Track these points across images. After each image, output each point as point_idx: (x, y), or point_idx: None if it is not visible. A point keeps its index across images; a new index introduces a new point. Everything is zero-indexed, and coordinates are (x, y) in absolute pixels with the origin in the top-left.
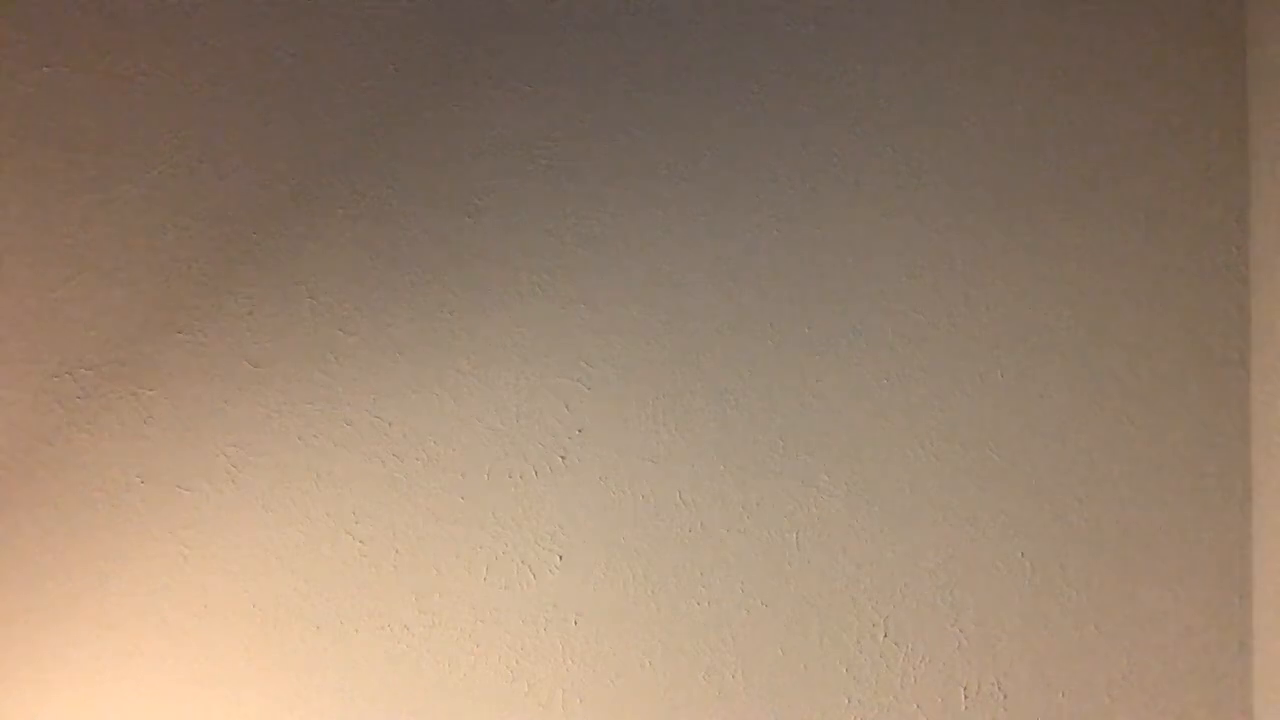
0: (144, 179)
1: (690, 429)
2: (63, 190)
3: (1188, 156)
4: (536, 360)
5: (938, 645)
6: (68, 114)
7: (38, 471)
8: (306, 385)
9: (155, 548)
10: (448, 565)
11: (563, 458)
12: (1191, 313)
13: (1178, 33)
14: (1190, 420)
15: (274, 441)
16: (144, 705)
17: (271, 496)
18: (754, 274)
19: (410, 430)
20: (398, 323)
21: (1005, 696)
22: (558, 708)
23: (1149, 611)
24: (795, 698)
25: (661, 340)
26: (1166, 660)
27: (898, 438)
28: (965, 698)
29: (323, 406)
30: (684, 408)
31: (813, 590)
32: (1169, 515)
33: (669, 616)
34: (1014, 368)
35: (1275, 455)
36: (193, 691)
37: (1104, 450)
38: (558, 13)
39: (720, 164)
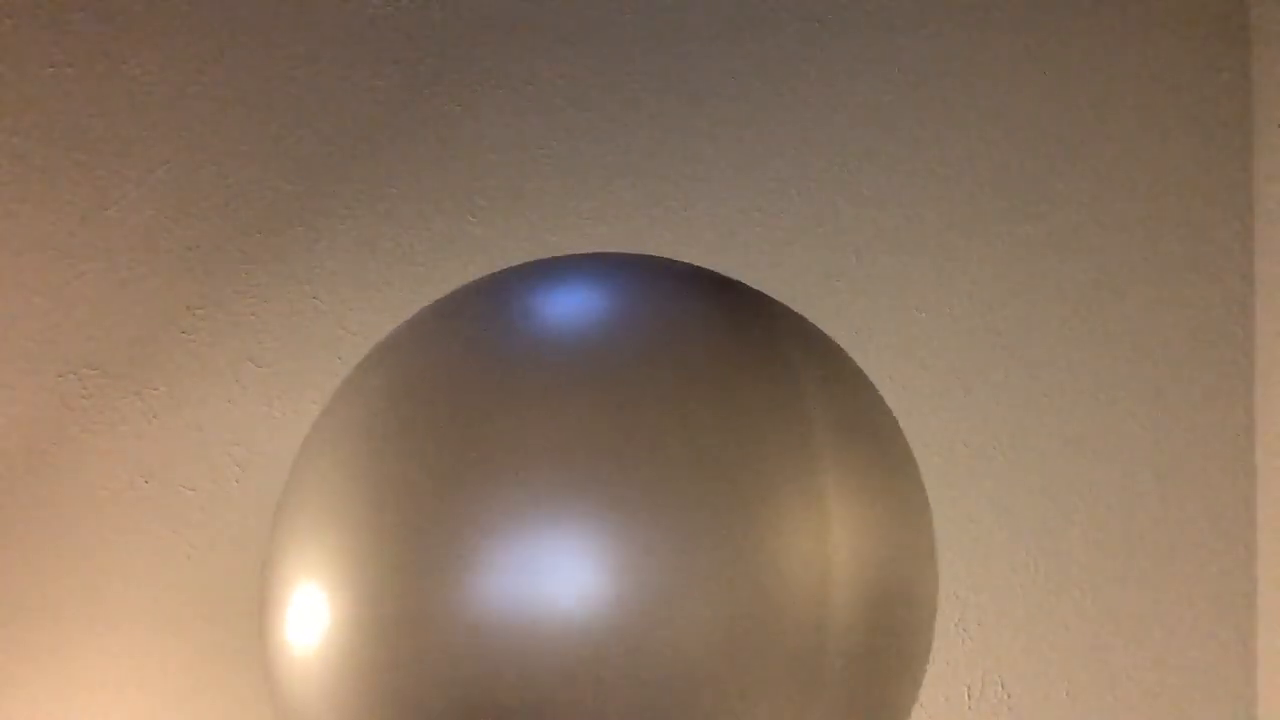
0: (145, 179)
1: None
2: (64, 190)
3: (1191, 154)
4: None
5: (941, 644)
6: (70, 114)
7: (42, 471)
8: (311, 384)
9: (159, 548)
10: None
11: None
12: (1195, 311)
13: (1180, 30)
14: (1194, 419)
15: (279, 441)
16: (147, 706)
17: (276, 496)
18: (756, 274)
19: None
20: (401, 321)
21: (1009, 696)
22: None
23: (1152, 610)
24: None
25: None
26: (1170, 659)
27: None
28: (969, 697)
29: None
30: None
31: None
32: (1172, 514)
33: None
34: (1017, 367)
35: None
36: (197, 692)
37: (1107, 449)
38: (558, 12)
39: (721, 163)
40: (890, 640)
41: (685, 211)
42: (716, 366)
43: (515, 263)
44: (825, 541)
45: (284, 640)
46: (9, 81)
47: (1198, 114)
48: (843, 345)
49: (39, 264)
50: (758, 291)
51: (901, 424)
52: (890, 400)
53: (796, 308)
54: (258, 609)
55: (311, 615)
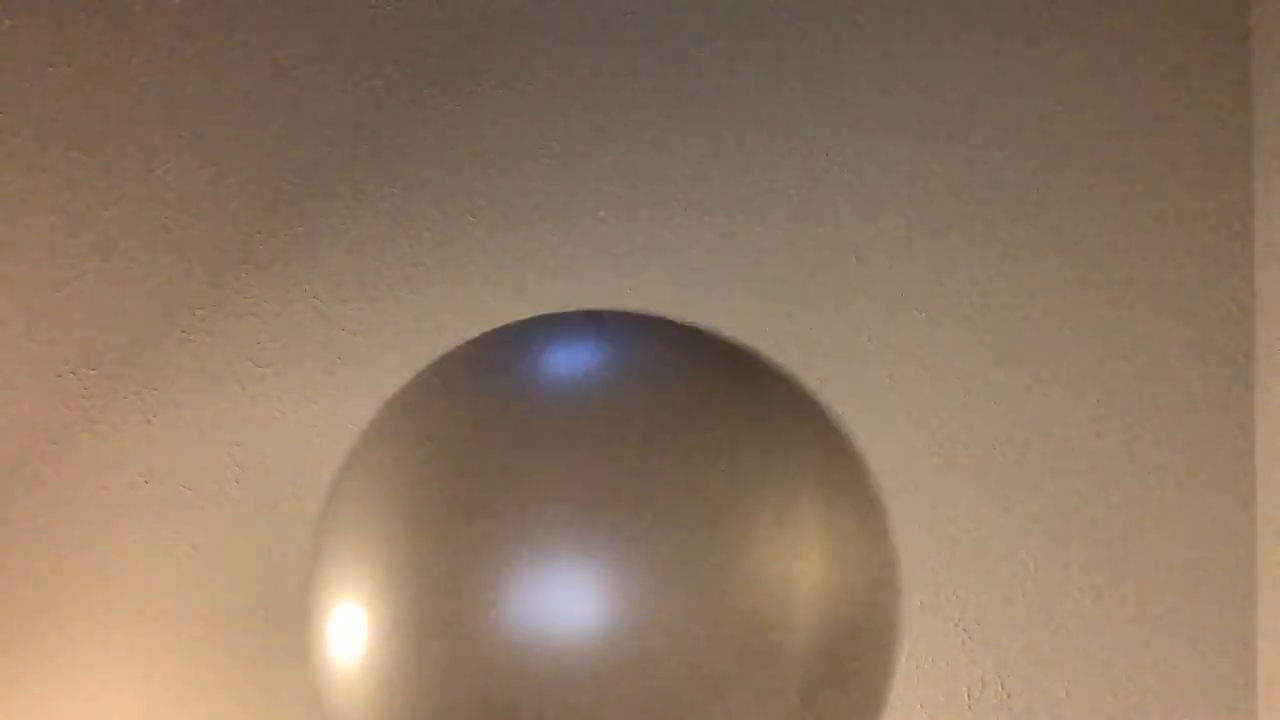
0: (145, 179)
1: None
2: (63, 190)
3: (1191, 154)
4: None
5: (941, 645)
6: (69, 114)
7: (41, 472)
8: (310, 384)
9: (159, 548)
10: None
11: None
12: (1195, 311)
13: (1180, 30)
14: (1194, 419)
15: (279, 441)
16: (147, 707)
17: (276, 496)
18: (755, 276)
19: None
20: (401, 321)
21: (1009, 696)
22: None
23: (1152, 611)
24: None
25: None
26: (1170, 660)
27: (901, 438)
28: (969, 697)
29: (326, 405)
30: None
31: None
32: (1172, 514)
33: None
34: (1017, 367)
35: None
36: (197, 692)
37: (1107, 449)
38: (558, 12)
39: (721, 165)
40: (847, 666)
41: (685, 211)
42: (705, 419)
43: (515, 263)
44: (795, 579)
45: (329, 651)
46: (9, 81)
47: (1198, 114)
48: (843, 345)
49: (39, 264)
50: (740, 344)
51: (901, 424)
52: (890, 400)
53: (796, 308)
54: (304, 623)
55: (353, 629)
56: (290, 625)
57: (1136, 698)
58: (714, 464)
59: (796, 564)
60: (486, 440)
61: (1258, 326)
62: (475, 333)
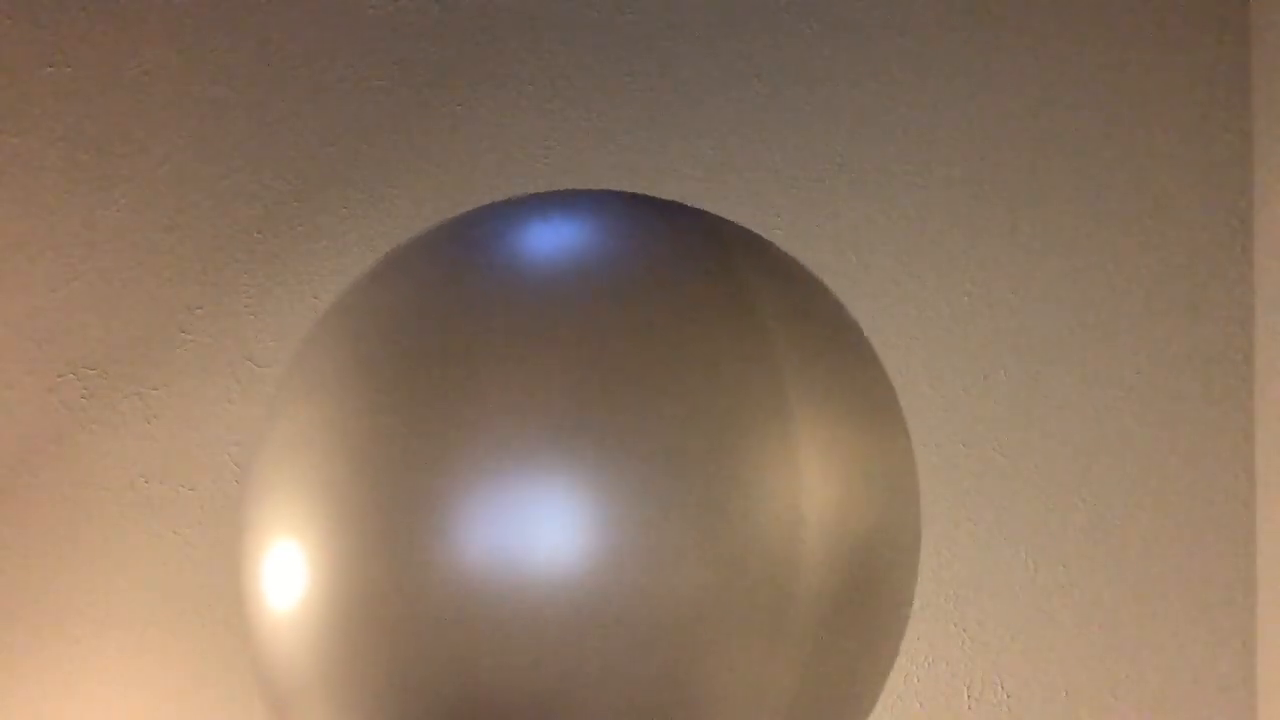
0: (145, 179)
1: None
2: (63, 190)
3: (1191, 154)
4: None
5: (941, 644)
6: (68, 114)
7: (41, 472)
8: None
9: (159, 547)
10: None
11: None
12: (1195, 311)
13: (1180, 30)
14: (1194, 419)
15: None
16: (147, 706)
17: None
18: None
19: None
20: None
21: (1009, 696)
22: None
23: (1152, 611)
24: None
25: None
26: (1169, 660)
27: None
28: (969, 697)
29: None
30: None
31: None
32: (1172, 514)
33: None
34: (1017, 367)
35: (1279, 455)
36: (197, 691)
37: (1107, 450)
38: (557, 12)
39: (721, 164)
40: (865, 589)
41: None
42: (682, 306)
43: None
44: (798, 490)
45: (262, 598)
46: (9, 81)
47: (1198, 114)
48: None
49: (39, 264)
50: (727, 221)
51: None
52: None
53: None
54: (237, 568)
55: (289, 573)
56: None
57: (1136, 698)
58: (696, 369)
59: (796, 481)
60: (445, 339)
61: (1258, 326)
62: None
